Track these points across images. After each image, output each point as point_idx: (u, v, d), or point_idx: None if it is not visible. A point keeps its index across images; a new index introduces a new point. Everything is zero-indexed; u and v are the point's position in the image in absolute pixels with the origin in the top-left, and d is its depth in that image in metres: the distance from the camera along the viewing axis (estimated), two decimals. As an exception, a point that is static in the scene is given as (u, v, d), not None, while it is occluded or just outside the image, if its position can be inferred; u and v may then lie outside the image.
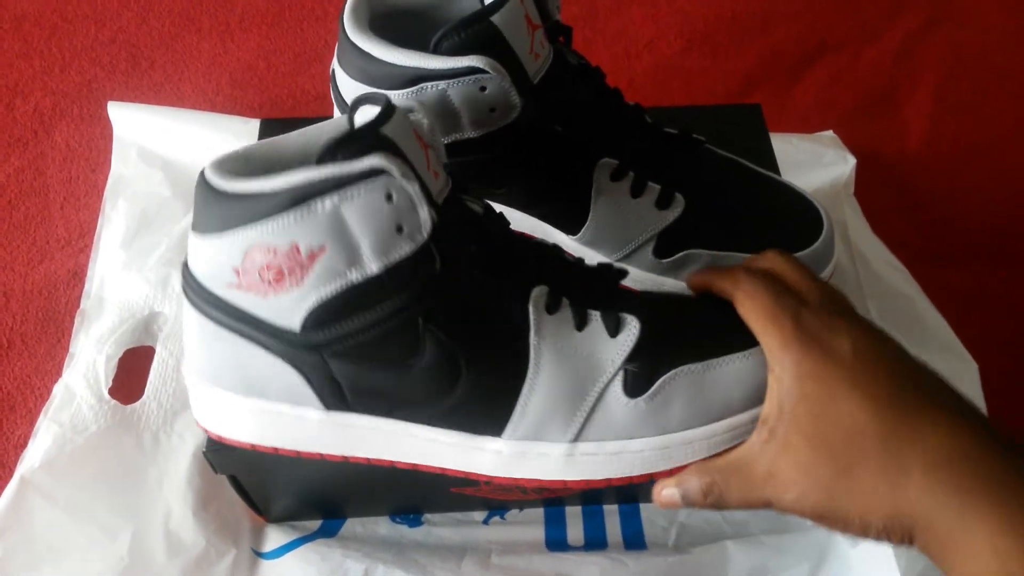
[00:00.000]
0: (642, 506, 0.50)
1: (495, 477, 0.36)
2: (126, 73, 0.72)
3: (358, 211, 0.29)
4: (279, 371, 0.33)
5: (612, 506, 0.51)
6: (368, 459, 0.37)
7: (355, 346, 0.32)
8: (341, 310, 0.31)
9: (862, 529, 0.31)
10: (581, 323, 0.34)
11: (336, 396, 0.34)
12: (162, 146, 0.64)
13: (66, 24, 0.75)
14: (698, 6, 0.75)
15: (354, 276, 0.30)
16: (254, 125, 0.62)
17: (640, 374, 0.34)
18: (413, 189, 0.30)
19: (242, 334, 0.33)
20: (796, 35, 0.74)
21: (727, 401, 0.35)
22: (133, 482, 0.48)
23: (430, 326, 0.32)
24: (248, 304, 0.32)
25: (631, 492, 0.50)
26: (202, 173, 0.31)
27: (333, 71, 0.41)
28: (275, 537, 0.48)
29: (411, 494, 0.49)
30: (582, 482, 0.36)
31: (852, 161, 0.60)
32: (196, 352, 0.35)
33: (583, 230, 0.44)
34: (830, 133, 0.64)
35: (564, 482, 0.36)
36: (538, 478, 0.36)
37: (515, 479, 0.37)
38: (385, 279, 0.31)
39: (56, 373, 0.54)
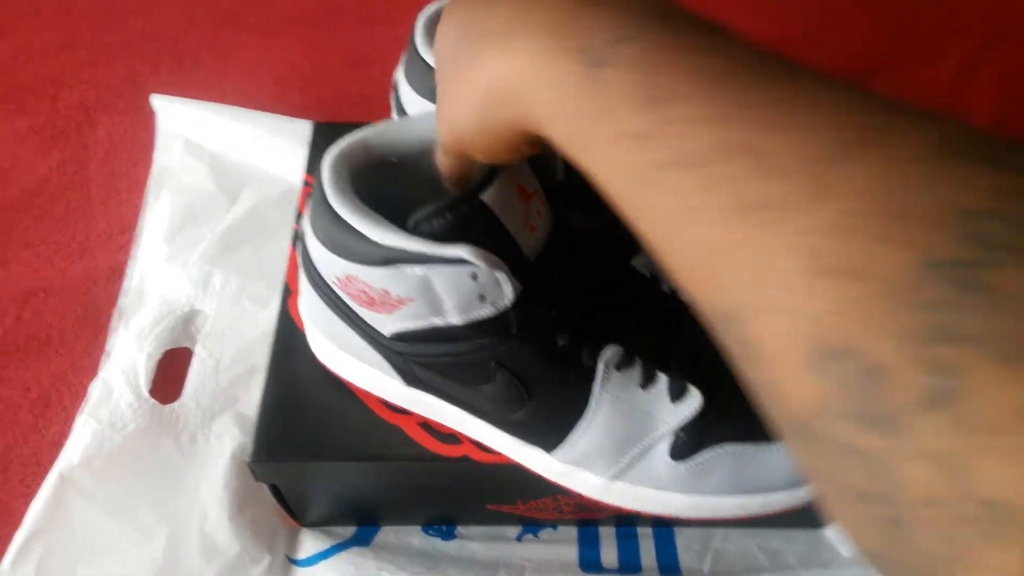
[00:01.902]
0: (677, 531, 0.50)
1: (542, 476, 0.40)
2: (170, 69, 0.72)
3: (445, 281, 0.32)
4: (371, 352, 0.38)
5: (646, 529, 0.50)
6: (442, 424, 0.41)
7: (434, 363, 0.36)
8: (423, 338, 0.34)
9: (467, 118, 0.27)
10: (647, 382, 0.37)
11: (415, 381, 0.38)
12: (208, 140, 0.64)
13: (111, 17, 0.75)
14: (750, 25, 0.74)
15: (437, 321, 0.33)
16: (300, 125, 0.62)
17: (689, 442, 0.37)
18: (499, 275, 0.32)
19: (342, 316, 0.37)
20: (848, 58, 0.73)
21: (767, 480, 0.37)
22: (170, 483, 0.48)
23: (501, 368, 0.35)
24: (349, 300, 0.35)
25: (667, 517, 0.49)
26: (320, 172, 0.33)
27: (396, 82, 0.41)
28: (309, 544, 0.48)
29: (446, 506, 0.48)
30: (613, 507, 0.40)
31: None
32: (308, 303, 0.40)
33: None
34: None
35: (598, 502, 0.39)
36: (577, 491, 0.40)
37: (558, 484, 0.40)
38: (465, 329, 0.34)
39: (93, 371, 0.54)
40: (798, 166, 0.18)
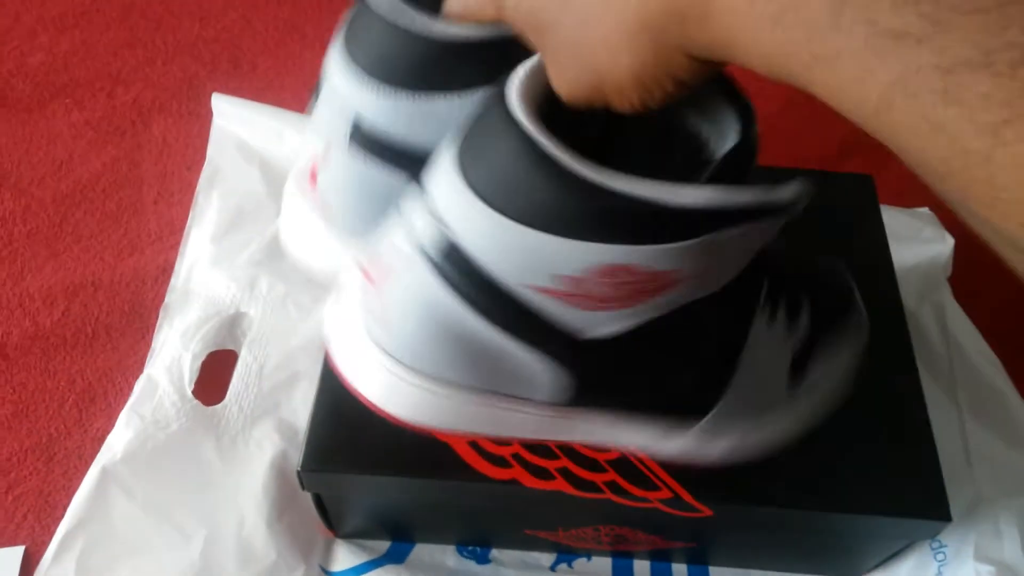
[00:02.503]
0: (712, 570, 0.50)
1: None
2: (227, 73, 0.73)
3: (751, 237, 0.26)
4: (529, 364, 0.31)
5: (681, 566, 0.50)
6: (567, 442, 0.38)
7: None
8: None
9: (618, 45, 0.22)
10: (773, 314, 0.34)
11: (587, 395, 0.33)
12: (261, 143, 0.64)
13: (171, 18, 0.76)
14: None
15: (700, 294, 0.28)
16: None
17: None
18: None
19: (504, 328, 0.29)
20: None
21: None
22: (209, 486, 0.48)
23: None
24: (544, 305, 0.28)
25: (702, 555, 0.49)
26: (521, 127, 0.24)
27: None
28: (344, 557, 0.48)
29: (483, 527, 0.48)
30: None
31: (951, 241, 0.59)
32: (414, 333, 0.31)
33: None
34: (926, 210, 0.63)
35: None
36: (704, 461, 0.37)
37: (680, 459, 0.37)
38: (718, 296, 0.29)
39: (138, 368, 0.54)
40: None
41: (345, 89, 0.33)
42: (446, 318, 0.29)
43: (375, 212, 0.33)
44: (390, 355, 0.32)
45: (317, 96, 0.36)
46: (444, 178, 0.27)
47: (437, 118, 0.32)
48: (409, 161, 0.33)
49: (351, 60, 0.32)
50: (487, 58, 0.31)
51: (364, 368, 0.33)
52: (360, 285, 0.32)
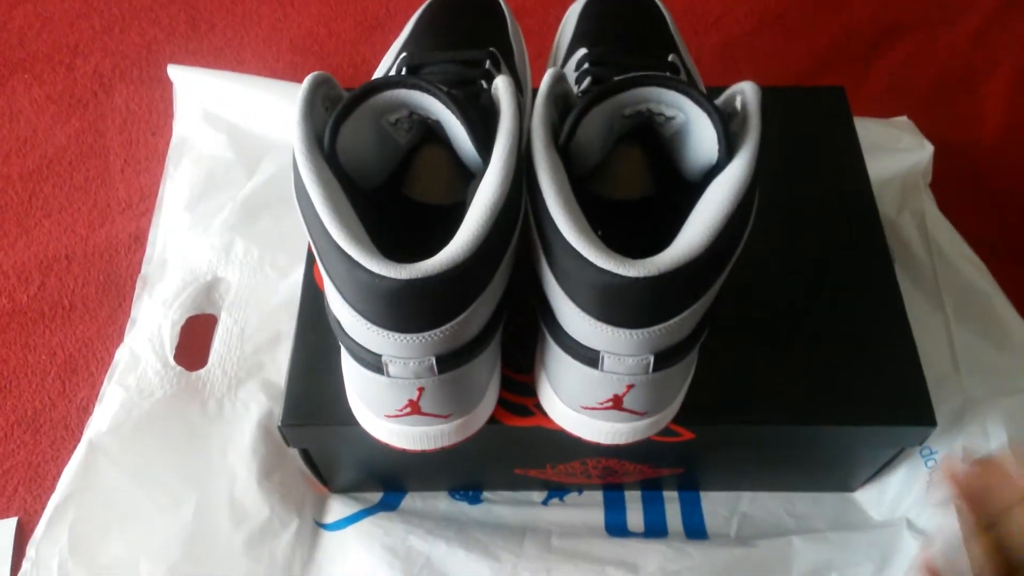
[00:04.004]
0: (703, 495, 0.50)
1: None
2: (185, 36, 0.71)
3: None
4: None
5: (672, 493, 0.50)
6: None
7: None
8: None
9: None
10: None
11: None
12: (226, 109, 0.63)
13: (125, -16, 0.75)
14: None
15: None
16: (319, 93, 0.62)
17: None
18: None
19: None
20: (870, 16, 0.72)
21: None
22: (198, 449, 0.49)
23: None
24: None
25: (691, 480, 0.49)
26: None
27: None
28: (337, 509, 0.48)
29: (473, 472, 0.48)
30: None
31: (930, 148, 0.58)
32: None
33: None
34: (905, 118, 0.62)
35: None
36: None
37: None
38: None
39: (117, 337, 0.54)
40: None
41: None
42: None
43: None
44: None
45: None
46: None
47: None
48: None
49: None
50: None
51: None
52: None
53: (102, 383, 0.51)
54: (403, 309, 0.29)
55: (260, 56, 0.69)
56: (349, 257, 0.28)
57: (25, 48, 0.70)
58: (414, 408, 0.35)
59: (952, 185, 0.59)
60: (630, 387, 0.34)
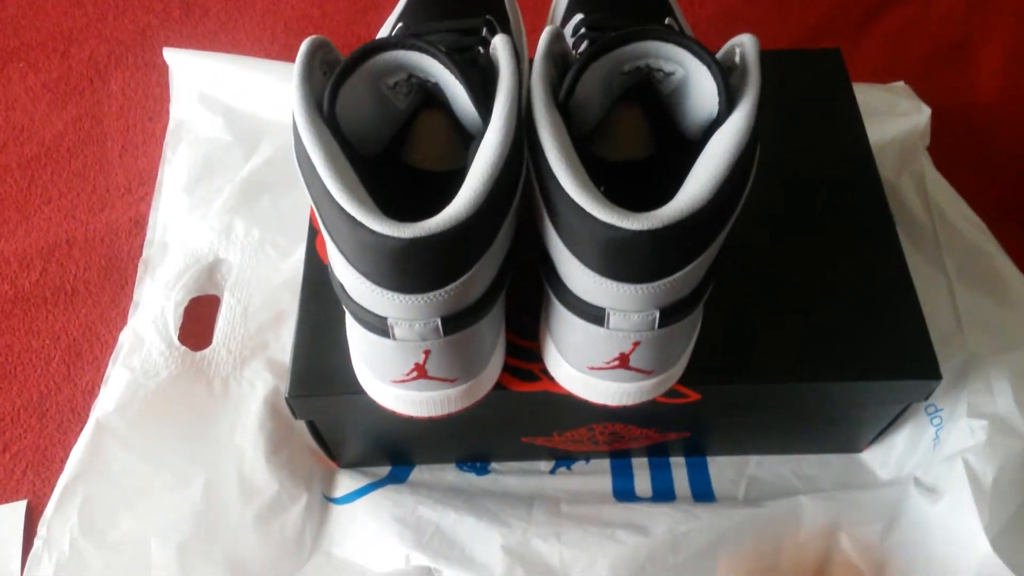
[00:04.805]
0: (709, 459, 0.50)
1: None
2: (179, 20, 0.71)
3: None
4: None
5: (679, 458, 0.50)
6: None
7: None
8: None
9: None
10: None
11: None
12: (222, 92, 0.63)
13: (117, -30, 0.74)
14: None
15: None
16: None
17: None
18: None
19: None
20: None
21: None
22: (205, 428, 0.49)
23: None
24: None
25: (698, 445, 0.49)
26: None
27: None
28: (345, 483, 0.48)
29: (480, 442, 0.49)
30: None
31: (927, 111, 0.58)
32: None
33: None
34: (902, 84, 0.62)
35: None
36: None
37: None
38: None
39: (121, 321, 0.54)
40: None
41: None
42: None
43: None
44: None
45: None
46: None
47: None
48: None
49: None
50: None
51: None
52: None
53: (107, 366, 0.51)
54: (407, 269, 0.29)
55: (255, 39, 0.69)
56: (352, 218, 0.28)
57: (19, 37, 0.70)
58: (420, 372, 0.35)
59: (950, 148, 0.59)
60: (636, 344, 0.34)
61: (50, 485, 0.47)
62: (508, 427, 0.46)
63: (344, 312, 0.42)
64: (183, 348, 0.52)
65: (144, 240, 0.58)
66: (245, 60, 0.64)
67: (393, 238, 0.28)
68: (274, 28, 0.70)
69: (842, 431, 0.48)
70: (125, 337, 0.52)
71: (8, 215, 0.59)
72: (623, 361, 0.35)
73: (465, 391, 0.37)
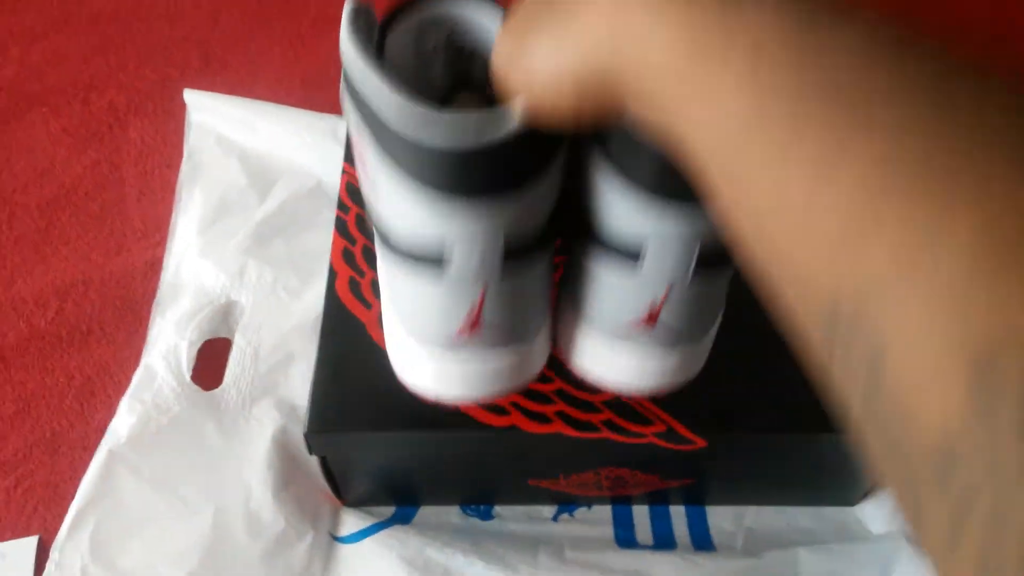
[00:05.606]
0: (708, 510, 0.51)
1: None
2: (199, 72, 0.74)
3: None
4: None
5: (679, 508, 0.51)
6: None
7: None
8: None
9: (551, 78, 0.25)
10: None
11: None
12: (238, 135, 0.65)
13: (140, 22, 0.77)
14: None
15: None
16: (331, 121, 0.64)
17: None
18: None
19: None
20: None
21: None
22: (214, 463, 0.50)
23: None
24: None
25: (698, 494, 0.51)
26: None
27: None
28: (351, 522, 0.49)
29: (487, 481, 0.50)
30: None
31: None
32: None
33: None
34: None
35: None
36: None
37: None
38: None
39: (134, 361, 0.55)
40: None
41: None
42: None
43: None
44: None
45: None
46: None
47: None
48: None
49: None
50: None
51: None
52: None
53: (119, 404, 0.52)
54: (472, 169, 0.29)
55: (272, 92, 0.72)
56: (417, 112, 0.27)
57: (42, 83, 0.72)
58: (474, 322, 0.33)
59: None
60: (670, 290, 0.33)
61: (61, 520, 0.47)
62: (514, 468, 0.48)
63: (360, 351, 0.43)
64: (194, 386, 0.53)
65: (158, 282, 0.59)
66: (262, 105, 0.66)
67: (461, 127, 0.27)
68: (291, 83, 0.73)
69: (837, 484, 0.49)
70: (138, 374, 0.53)
71: (26, 255, 0.61)
72: (652, 316, 0.34)
73: (515, 365, 0.36)
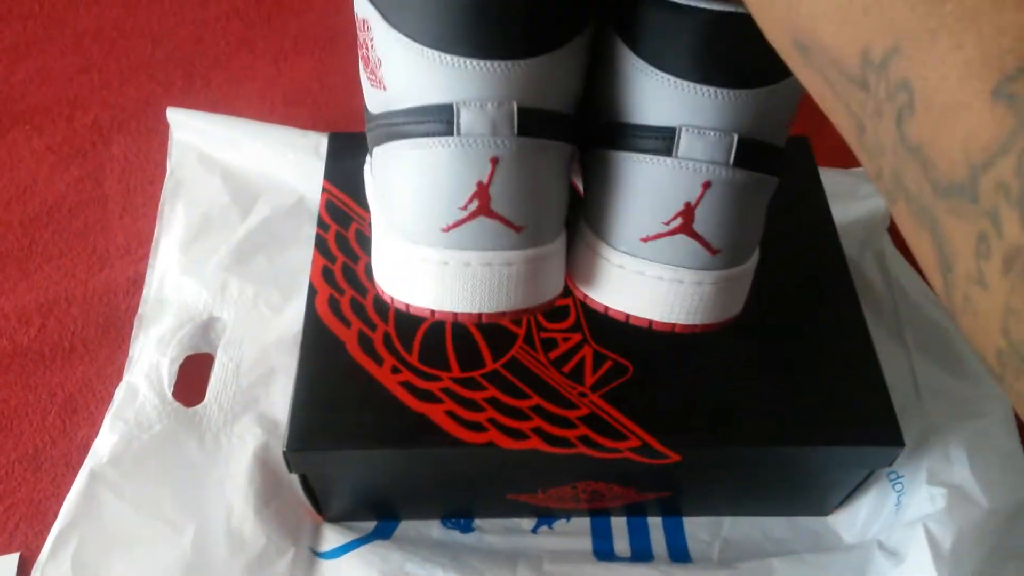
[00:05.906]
0: (685, 521, 0.52)
1: None
2: (182, 90, 0.74)
3: None
4: None
5: (656, 520, 0.52)
6: None
7: None
8: None
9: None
10: None
11: None
12: (221, 153, 0.66)
13: (124, 41, 0.78)
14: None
15: None
16: (312, 138, 0.65)
17: None
18: None
19: None
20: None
21: None
22: (196, 481, 0.50)
23: None
24: None
25: (674, 506, 0.51)
26: None
27: None
28: (332, 538, 0.50)
29: (466, 496, 0.50)
30: None
31: (887, 195, 0.62)
32: None
33: None
34: (862, 168, 0.66)
35: None
36: None
37: None
38: None
39: (116, 377, 0.55)
40: None
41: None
42: None
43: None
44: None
45: None
46: None
47: None
48: None
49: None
50: None
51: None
52: None
53: (102, 421, 0.52)
54: (489, 21, 0.27)
55: (255, 108, 0.73)
56: None
57: (26, 101, 0.72)
58: (482, 198, 0.30)
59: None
60: (706, 187, 0.30)
61: (43, 538, 0.47)
62: (493, 483, 0.48)
63: (340, 369, 0.44)
64: (176, 403, 0.53)
65: (141, 298, 0.59)
66: (244, 123, 0.67)
67: None
68: (273, 100, 0.74)
69: (811, 493, 0.50)
70: (119, 391, 0.54)
71: (9, 272, 0.61)
72: (687, 222, 0.31)
73: (523, 274, 0.32)
